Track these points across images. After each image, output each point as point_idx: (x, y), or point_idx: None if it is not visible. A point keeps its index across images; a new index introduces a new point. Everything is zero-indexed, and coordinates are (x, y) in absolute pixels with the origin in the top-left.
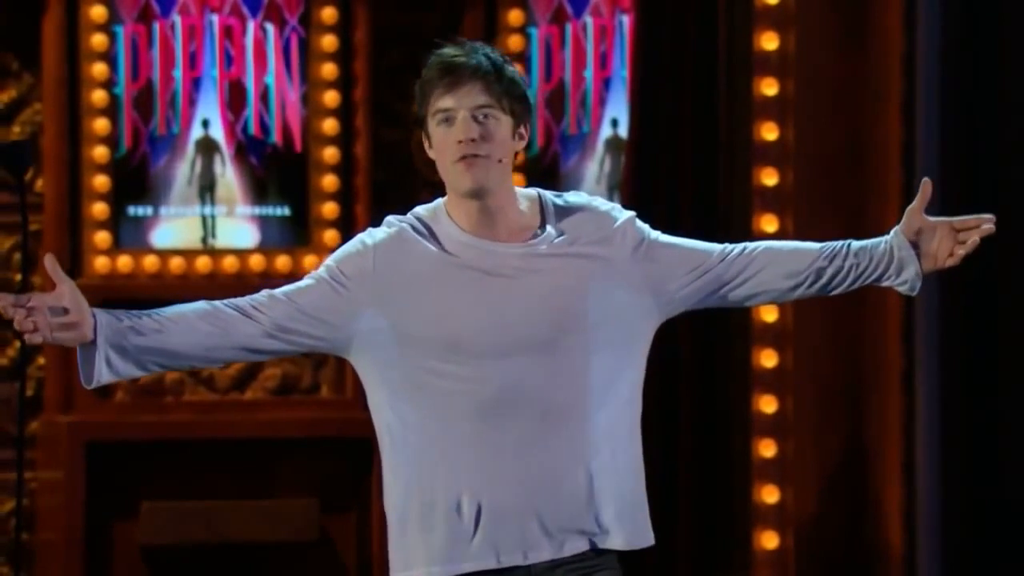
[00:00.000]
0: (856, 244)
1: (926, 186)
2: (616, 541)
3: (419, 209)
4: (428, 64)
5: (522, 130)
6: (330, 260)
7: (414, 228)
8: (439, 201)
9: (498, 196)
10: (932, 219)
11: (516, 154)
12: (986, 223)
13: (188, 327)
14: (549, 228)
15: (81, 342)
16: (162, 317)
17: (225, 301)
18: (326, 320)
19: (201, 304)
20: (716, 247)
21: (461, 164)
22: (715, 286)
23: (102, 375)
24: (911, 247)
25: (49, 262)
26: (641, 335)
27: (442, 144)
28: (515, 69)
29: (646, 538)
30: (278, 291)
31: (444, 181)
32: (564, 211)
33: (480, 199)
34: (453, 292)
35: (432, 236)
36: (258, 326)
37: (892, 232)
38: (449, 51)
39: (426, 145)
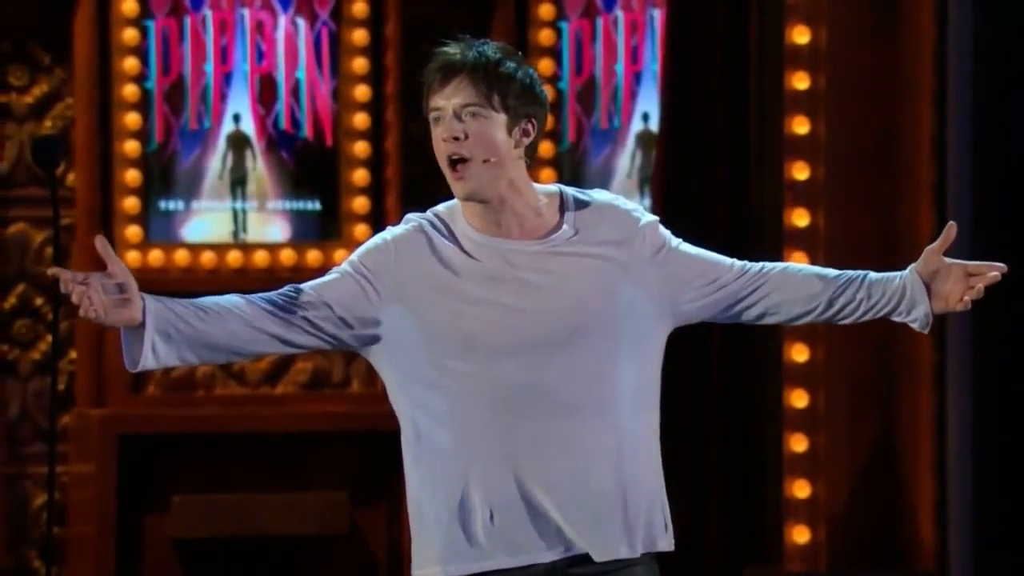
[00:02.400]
0: (872, 276)
1: (950, 229)
2: (644, 544)
3: (438, 207)
4: (429, 63)
5: (525, 126)
6: (354, 256)
7: (433, 225)
8: (455, 201)
9: (499, 195)
10: (949, 261)
11: (534, 148)
12: (994, 271)
13: (226, 319)
14: (565, 226)
15: (130, 323)
16: (202, 308)
17: (256, 295)
18: (351, 316)
19: (234, 297)
20: (735, 263)
21: (451, 173)
22: (729, 302)
23: (147, 360)
24: (924, 286)
25: (100, 243)
26: (655, 339)
27: (435, 143)
28: (517, 64)
29: (668, 542)
30: (306, 286)
31: None
32: (585, 209)
33: (479, 200)
34: (469, 290)
35: (450, 234)
36: (287, 322)
37: (908, 269)
38: (446, 49)
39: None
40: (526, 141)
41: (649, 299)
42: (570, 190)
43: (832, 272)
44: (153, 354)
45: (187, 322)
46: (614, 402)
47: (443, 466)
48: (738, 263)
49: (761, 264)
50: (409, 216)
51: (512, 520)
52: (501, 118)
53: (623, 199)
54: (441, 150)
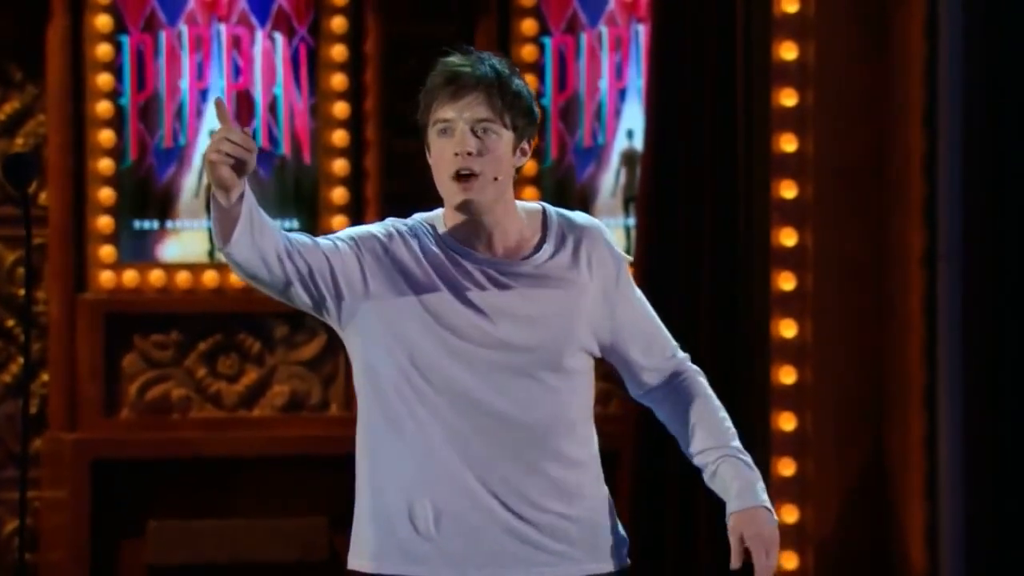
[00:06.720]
0: (723, 471)
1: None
2: (606, 566)
3: (419, 216)
4: (433, 72)
5: (524, 145)
6: (354, 232)
7: (424, 231)
8: (438, 211)
9: (494, 213)
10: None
11: (518, 169)
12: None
13: (270, 240)
14: (547, 247)
15: (229, 186)
16: (262, 220)
17: (282, 231)
18: (344, 287)
19: (271, 221)
20: (669, 351)
21: (456, 183)
22: (622, 372)
23: (233, 247)
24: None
25: (220, 107)
26: (592, 370)
27: (439, 155)
28: (523, 81)
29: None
30: (321, 241)
31: (440, 192)
32: (567, 230)
33: (473, 215)
34: (449, 299)
35: (438, 243)
36: (298, 271)
37: (729, 510)
38: (455, 60)
39: (427, 154)
40: (522, 160)
41: (594, 332)
42: (553, 209)
43: (710, 432)
44: (237, 244)
45: (259, 231)
46: (572, 432)
47: (396, 463)
48: (669, 355)
49: (682, 371)
50: (391, 220)
51: (454, 532)
52: (509, 136)
53: (603, 226)
54: (448, 162)
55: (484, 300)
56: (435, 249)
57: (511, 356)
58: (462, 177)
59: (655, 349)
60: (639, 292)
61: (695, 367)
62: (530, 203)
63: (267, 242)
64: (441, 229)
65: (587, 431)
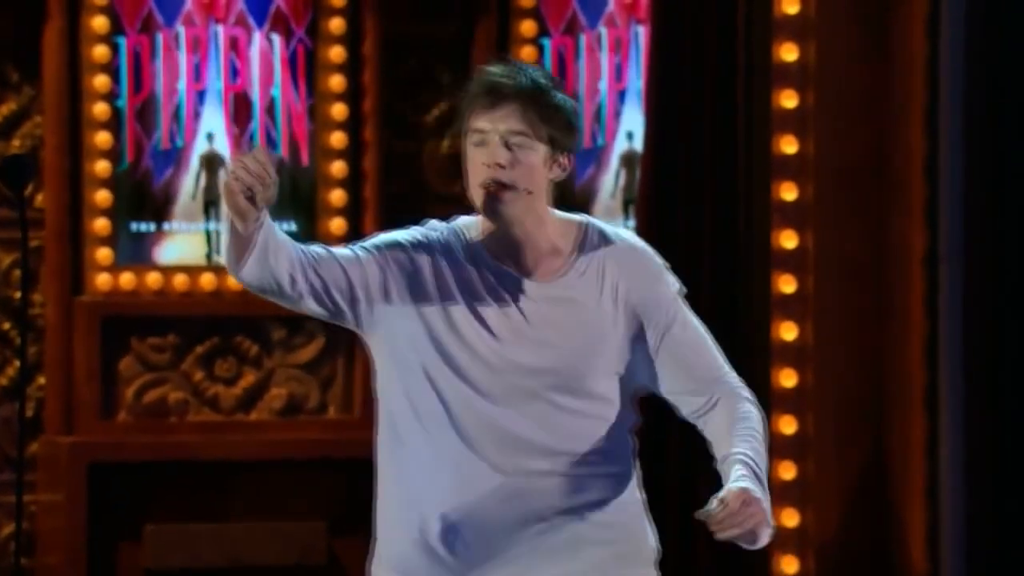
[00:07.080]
0: (732, 460)
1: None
2: None
3: (459, 223)
4: (472, 80)
5: (562, 159)
6: (380, 241)
7: (459, 241)
8: (476, 218)
9: (524, 226)
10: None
11: (556, 183)
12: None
13: (283, 259)
14: (577, 266)
15: (244, 216)
16: (277, 241)
17: (296, 245)
18: (364, 296)
19: (288, 238)
20: (713, 375)
21: (486, 193)
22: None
23: (242, 272)
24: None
25: (260, 153)
26: (628, 396)
27: (472, 165)
28: (563, 94)
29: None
30: (340, 252)
31: (471, 201)
32: (606, 250)
33: (503, 226)
34: (467, 315)
35: (470, 255)
36: (312, 287)
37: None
38: (495, 70)
39: (462, 160)
40: (558, 173)
41: (622, 359)
42: (595, 226)
43: (730, 442)
44: (249, 269)
45: (273, 254)
46: (591, 452)
47: (408, 474)
48: (707, 390)
49: (719, 402)
50: (434, 224)
51: (464, 545)
52: (544, 149)
53: (648, 250)
54: (479, 173)
55: (502, 319)
56: (462, 260)
57: (524, 378)
58: (492, 188)
59: (696, 375)
60: (688, 317)
61: (744, 393)
62: (574, 216)
63: (281, 264)
64: (474, 236)
65: (617, 450)
